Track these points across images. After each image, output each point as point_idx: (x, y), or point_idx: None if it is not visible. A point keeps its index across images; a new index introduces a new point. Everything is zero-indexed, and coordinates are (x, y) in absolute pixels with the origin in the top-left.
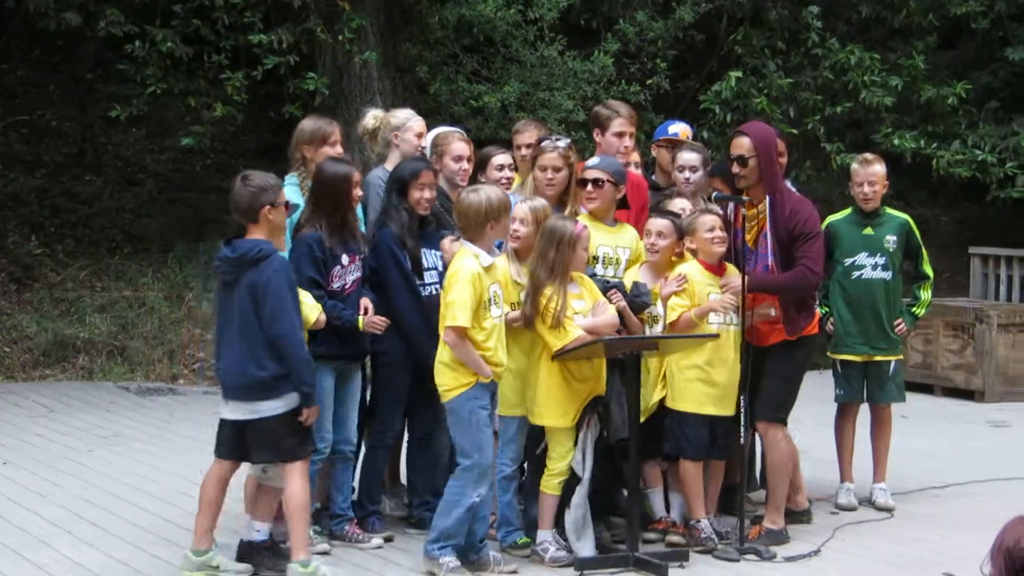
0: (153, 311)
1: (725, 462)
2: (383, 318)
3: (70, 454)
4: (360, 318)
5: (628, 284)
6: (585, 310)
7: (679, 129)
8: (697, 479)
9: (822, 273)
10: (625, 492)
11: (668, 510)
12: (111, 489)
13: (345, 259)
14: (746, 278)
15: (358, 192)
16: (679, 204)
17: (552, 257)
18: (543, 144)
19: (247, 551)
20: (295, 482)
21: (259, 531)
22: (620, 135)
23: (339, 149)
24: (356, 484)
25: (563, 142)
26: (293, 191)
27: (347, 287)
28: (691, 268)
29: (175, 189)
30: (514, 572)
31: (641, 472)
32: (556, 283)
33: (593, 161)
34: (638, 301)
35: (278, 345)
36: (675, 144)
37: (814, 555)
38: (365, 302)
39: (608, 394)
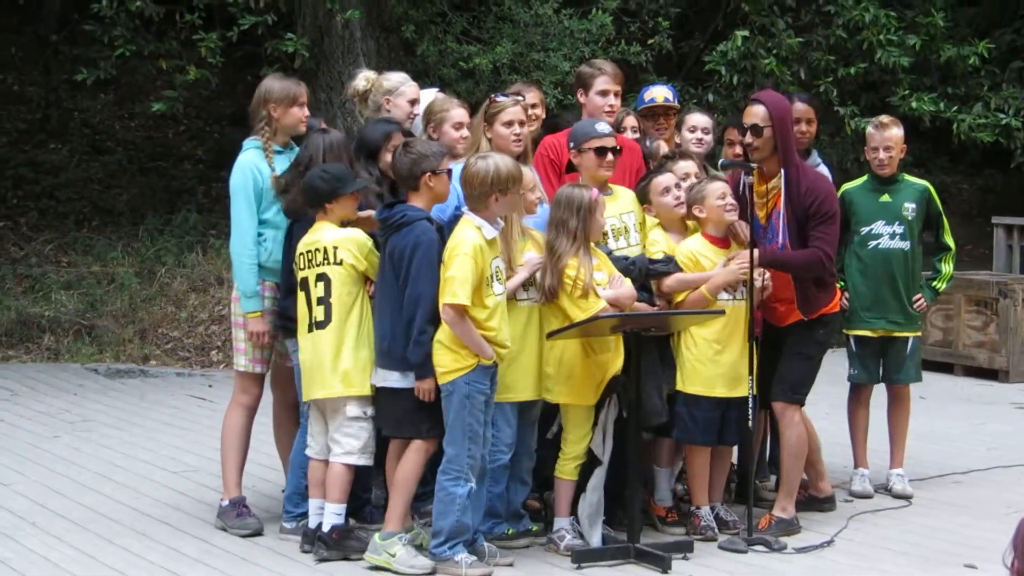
0: (123, 288)
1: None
2: None
3: (35, 440)
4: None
5: (651, 252)
6: (604, 282)
7: (655, 94)
8: (704, 466)
9: (835, 259)
10: None
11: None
12: (78, 477)
13: None
14: (757, 252)
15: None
16: (684, 166)
17: (574, 226)
18: (501, 99)
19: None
20: (410, 456)
21: (339, 514)
22: (604, 93)
23: (306, 111)
24: None
25: (520, 96)
26: (257, 155)
27: None
28: (695, 243)
29: (146, 158)
30: (510, 565)
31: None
32: (580, 253)
33: (606, 127)
34: (665, 269)
35: (409, 308)
36: (656, 113)
37: (827, 546)
38: None
39: (647, 376)
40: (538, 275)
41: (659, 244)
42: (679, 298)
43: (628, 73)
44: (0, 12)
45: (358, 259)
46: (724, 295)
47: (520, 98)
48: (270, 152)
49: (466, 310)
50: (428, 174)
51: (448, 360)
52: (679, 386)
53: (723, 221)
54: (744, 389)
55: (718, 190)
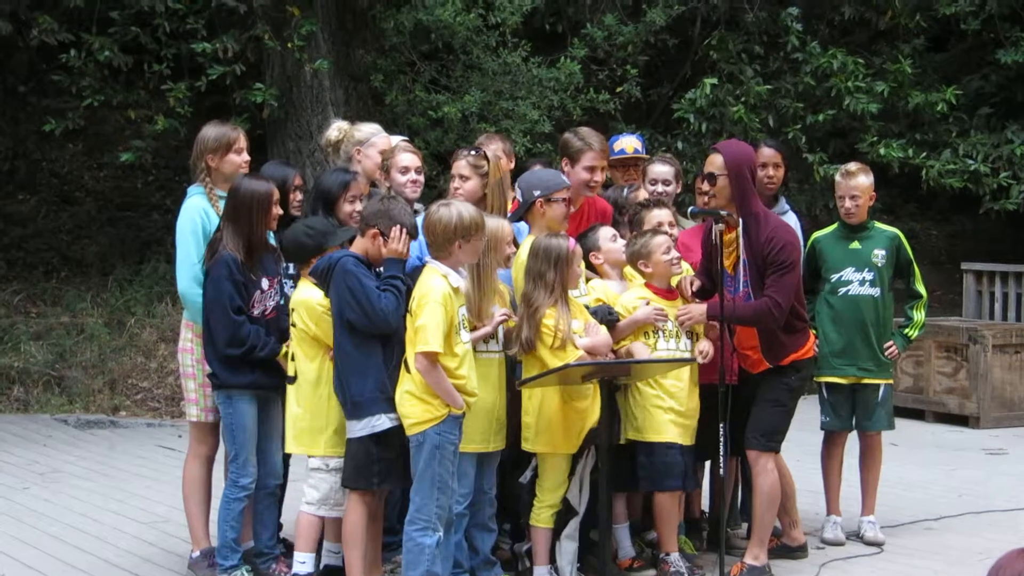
0: (92, 338)
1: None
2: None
3: (4, 492)
4: (283, 347)
5: (595, 300)
6: (580, 330)
7: (625, 144)
8: (672, 512)
9: (787, 309)
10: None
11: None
12: (47, 529)
13: (265, 283)
14: (707, 305)
15: (277, 211)
16: (657, 215)
17: (552, 278)
18: (458, 151)
19: None
20: (350, 509)
21: (303, 563)
22: (591, 170)
23: (245, 156)
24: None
25: (476, 151)
26: (201, 200)
27: (267, 312)
28: (641, 295)
29: (115, 208)
30: None
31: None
32: (557, 303)
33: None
34: (611, 319)
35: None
36: (626, 163)
37: None
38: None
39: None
40: (501, 329)
41: (595, 292)
42: (617, 346)
43: (597, 121)
44: None
45: (307, 324)
46: (665, 345)
47: (471, 153)
48: (215, 199)
49: (438, 358)
50: (375, 230)
51: (419, 411)
52: (633, 435)
53: (670, 275)
54: (690, 438)
55: (662, 245)
